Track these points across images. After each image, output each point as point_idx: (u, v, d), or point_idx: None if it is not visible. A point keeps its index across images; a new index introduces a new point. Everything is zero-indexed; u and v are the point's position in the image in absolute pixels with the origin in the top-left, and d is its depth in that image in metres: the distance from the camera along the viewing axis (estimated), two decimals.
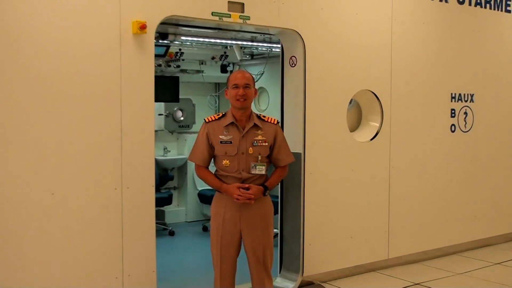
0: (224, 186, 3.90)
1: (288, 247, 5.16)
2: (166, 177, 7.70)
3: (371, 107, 5.61)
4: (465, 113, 6.34)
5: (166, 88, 7.40)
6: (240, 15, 4.59)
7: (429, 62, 5.98)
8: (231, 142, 3.90)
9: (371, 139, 5.54)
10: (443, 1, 6.05)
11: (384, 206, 5.66)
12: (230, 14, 4.54)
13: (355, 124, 5.67)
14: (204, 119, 4.02)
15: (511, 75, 6.77)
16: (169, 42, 6.58)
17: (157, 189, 7.28)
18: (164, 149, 7.95)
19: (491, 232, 6.71)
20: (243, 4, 4.59)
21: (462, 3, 6.22)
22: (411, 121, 5.84)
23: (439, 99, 6.11)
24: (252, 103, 4.10)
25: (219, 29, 5.82)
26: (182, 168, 8.06)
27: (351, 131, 5.46)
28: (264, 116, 4.04)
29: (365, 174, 5.46)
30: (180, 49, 7.10)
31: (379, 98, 5.56)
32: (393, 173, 5.69)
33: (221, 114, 4.01)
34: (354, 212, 5.41)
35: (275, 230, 4.34)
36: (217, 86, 8.56)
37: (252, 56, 7.77)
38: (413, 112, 5.85)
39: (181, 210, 8.06)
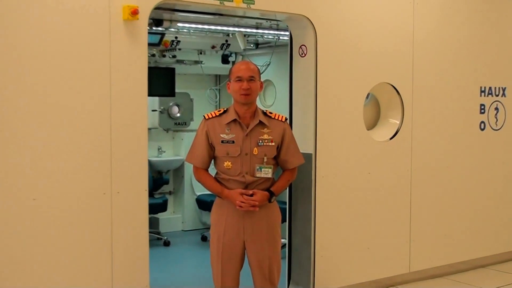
0: (225, 192, 3.90)
1: (298, 260, 5.15)
2: (160, 180, 7.70)
3: (390, 102, 5.60)
4: (496, 108, 6.32)
5: (160, 81, 7.39)
6: None
7: (456, 52, 5.95)
8: (233, 142, 3.90)
9: (391, 138, 5.53)
10: None
11: (405, 214, 5.64)
12: None
13: (373, 121, 5.65)
14: (204, 116, 4.02)
15: None
16: (164, 29, 6.57)
17: (151, 194, 7.28)
18: (159, 149, 7.95)
19: None
20: None
21: None
22: (435, 118, 5.82)
23: (467, 93, 6.08)
24: (257, 98, 4.09)
25: (220, 15, 5.80)
26: (178, 170, 8.05)
27: (368, 129, 5.44)
28: (270, 113, 4.03)
29: (383, 177, 5.45)
30: (176, 37, 7.09)
31: (400, 92, 5.54)
32: (415, 176, 5.67)
33: (222, 110, 4.01)
34: (371, 220, 5.40)
35: (282, 240, 4.33)
36: (218, 78, 8.55)
37: (257, 45, 7.76)
38: (438, 108, 5.83)
39: (177, 217, 8.06)
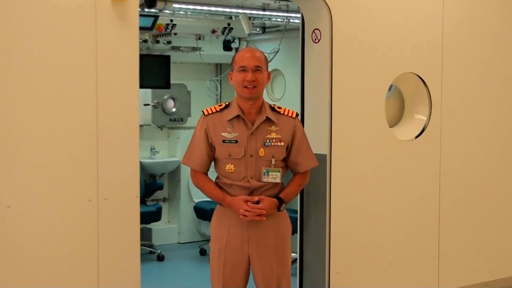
0: (227, 199, 3.91)
1: (310, 277, 5.16)
2: (153, 185, 7.71)
3: (416, 95, 5.60)
4: None
5: (154, 71, 7.41)
6: None
7: (494, 34, 5.93)
8: (236, 142, 3.91)
9: (416, 137, 5.53)
10: None
11: (433, 224, 5.64)
12: None
13: (396, 117, 5.65)
14: (202, 111, 4.03)
15: None
16: (157, 11, 6.58)
17: (142, 201, 7.30)
18: (152, 149, 7.96)
19: None
20: None
21: None
22: (469, 114, 5.81)
23: (508, 85, 6.07)
24: (264, 91, 4.10)
25: None
26: (174, 174, 8.07)
27: (390, 127, 5.44)
28: (279, 108, 4.04)
29: (408, 182, 5.45)
30: (171, 20, 7.10)
31: (427, 84, 5.54)
32: (445, 181, 5.67)
33: (224, 105, 4.02)
34: (394, 231, 5.40)
35: (293, 254, 4.34)
36: (219, 68, 8.56)
37: (264, 29, 7.77)
38: (472, 102, 5.83)
39: (172, 228, 8.08)
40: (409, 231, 5.49)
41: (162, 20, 7.01)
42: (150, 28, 6.90)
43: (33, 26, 3.86)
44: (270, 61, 7.26)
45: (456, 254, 5.80)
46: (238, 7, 6.61)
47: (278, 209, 3.94)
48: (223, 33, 7.62)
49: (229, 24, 7.48)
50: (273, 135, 3.93)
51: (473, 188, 5.89)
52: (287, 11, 6.76)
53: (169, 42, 7.61)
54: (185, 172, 7.74)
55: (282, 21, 7.23)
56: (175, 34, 7.41)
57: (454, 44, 5.67)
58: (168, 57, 7.57)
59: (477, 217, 5.93)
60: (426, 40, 5.51)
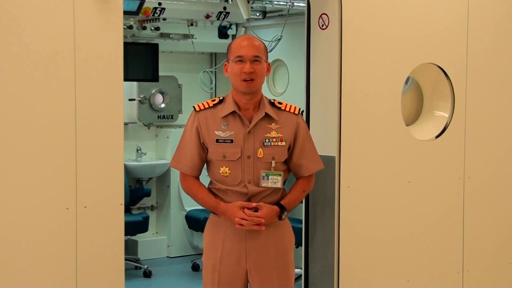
0: (221, 206, 3.94)
1: None
2: (140, 191, 7.72)
3: (437, 89, 5.61)
4: None
5: (140, 61, 7.44)
6: None
7: None
8: (232, 141, 3.95)
9: (437, 137, 5.54)
10: None
11: (456, 235, 5.65)
12: None
13: (414, 114, 5.68)
14: (194, 107, 4.06)
15: None
16: None
17: (127, 210, 7.33)
18: (138, 150, 7.98)
19: None
20: None
21: None
22: (498, 109, 5.82)
23: None
24: (264, 84, 4.13)
25: None
26: (163, 178, 8.09)
27: (407, 125, 5.47)
28: (280, 103, 4.08)
29: (428, 187, 5.45)
30: (160, 4, 7.11)
31: (449, 76, 5.56)
32: (470, 186, 5.67)
33: (217, 100, 4.05)
34: (411, 243, 5.41)
35: (296, 270, 4.37)
36: (214, 58, 8.58)
37: (264, 13, 7.79)
38: (501, 95, 5.83)
39: (161, 240, 8.10)
40: (429, 244, 5.49)
41: (149, 3, 7.01)
42: (135, 13, 6.90)
43: (5, 13, 3.85)
44: (271, 50, 7.29)
45: (483, 270, 5.80)
46: None
47: (279, 218, 3.97)
48: (218, 18, 7.63)
49: (225, 8, 7.50)
50: (273, 133, 3.97)
51: (501, 195, 5.89)
52: None
53: (157, 29, 7.63)
54: (176, 177, 7.76)
55: (285, 5, 7.24)
56: (164, 19, 7.43)
57: (481, 30, 5.66)
58: (156, 45, 7.60)
59: (507, 227, 5.93)
60: (449, 26, 5.50)
